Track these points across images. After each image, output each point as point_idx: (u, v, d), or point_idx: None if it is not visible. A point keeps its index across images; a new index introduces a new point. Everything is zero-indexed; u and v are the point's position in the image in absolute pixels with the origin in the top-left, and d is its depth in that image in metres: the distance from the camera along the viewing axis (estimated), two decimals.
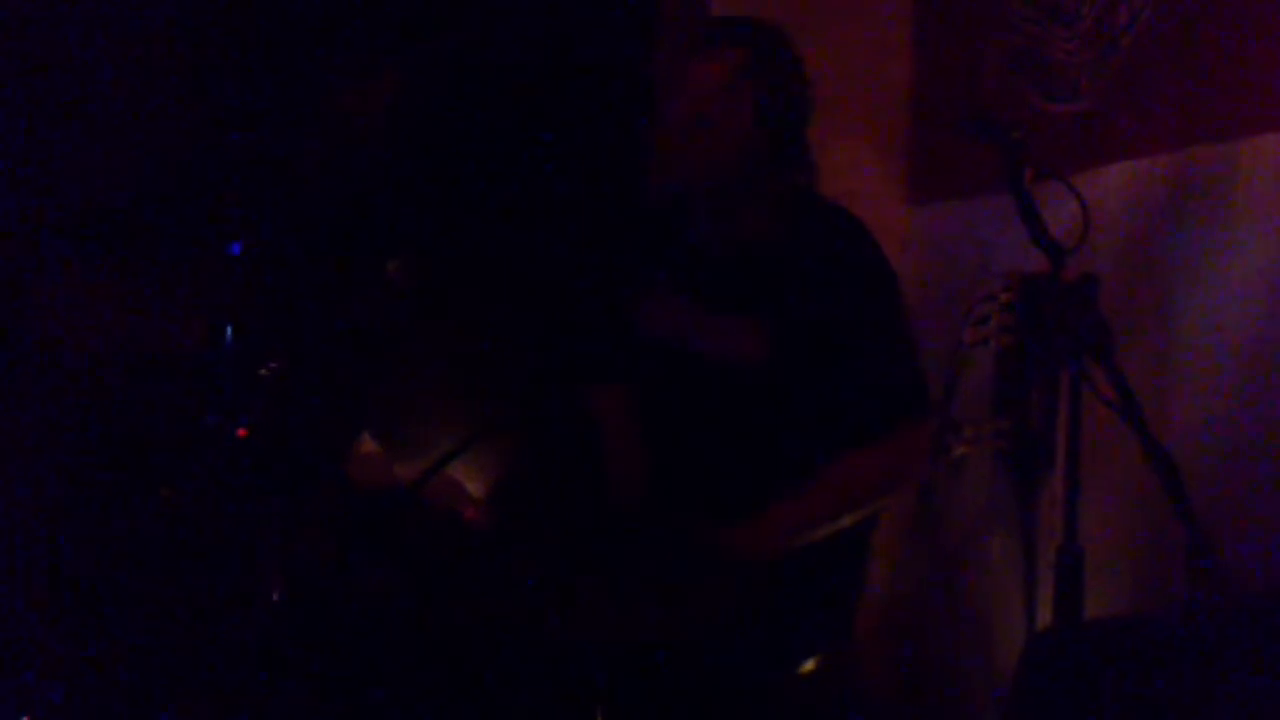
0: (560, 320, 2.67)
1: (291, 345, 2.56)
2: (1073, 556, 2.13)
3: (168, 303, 2.64)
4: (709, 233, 2.42)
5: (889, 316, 2.37)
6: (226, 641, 2.38)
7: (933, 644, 3.13)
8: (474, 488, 2.80)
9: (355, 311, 2.87)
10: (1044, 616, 2.51)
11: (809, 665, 2.31)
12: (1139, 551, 2.63)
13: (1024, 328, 2.70)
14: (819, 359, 2.33)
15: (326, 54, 3.26)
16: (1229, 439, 2.53)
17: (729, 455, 2.37)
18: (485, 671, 2.23)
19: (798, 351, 2.34)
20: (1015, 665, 2.13)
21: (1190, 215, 2.67)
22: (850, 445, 2.31)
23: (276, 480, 2.46)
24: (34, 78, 2.99)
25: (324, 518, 2.45)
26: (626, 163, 3.38)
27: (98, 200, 2.98)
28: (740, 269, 2.40)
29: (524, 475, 2.80)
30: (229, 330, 2.46)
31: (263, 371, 2.44)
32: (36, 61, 3.00)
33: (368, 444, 2.86)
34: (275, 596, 2.29)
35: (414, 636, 2.28)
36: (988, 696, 2.88)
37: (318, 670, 2.31)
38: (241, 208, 2.97)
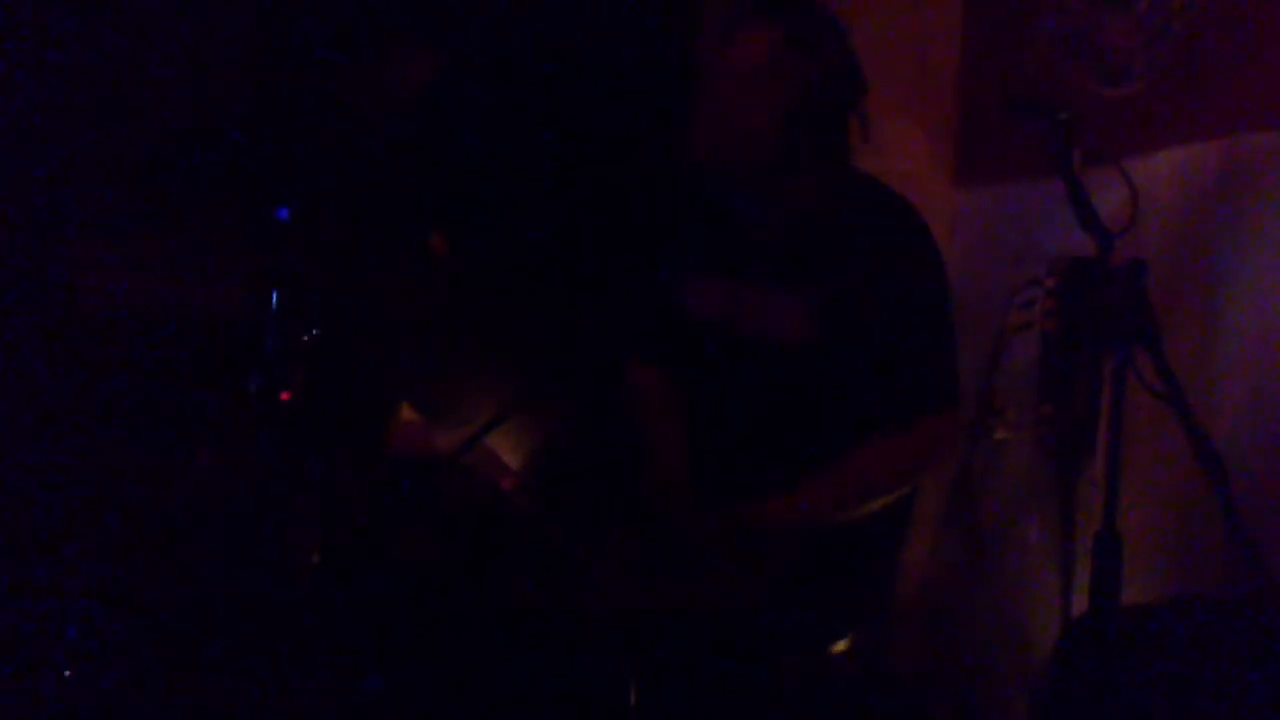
0: (602, 295, 2.67)
1: (335, 312, 2.58)
2: (1111, 543, 2.12)
3: (213, 267, 2.65)
4: (754, 210, 2.41)
5: (928, 303, 2.36)
6: (265, 605, 2.40)
7: (967, 627, 3.13)
8: (512, 459, 2.81)
9: (397, 281, 2.88)
10: (1080, 603, 2.50)
11: (841, 645, 2.31)
12: (1178, 539, 2.61)
13: (1070, 313, 2.68)
14: (861, 340, 2.32)
15: (371, 26, 3.27)
16: (1273, 428, 2.51)
17: (770, 434, 2.36)
18: (520, 642, 2.24)
19: (842, 331, 2.33)
20: (1051, 651, 2.13)
21: (1240, 202, 2.64)
22: (875, 429, 2.30)
23: (317, 445, 2.47)
24: (82, 41, 3.01)
25: (363, 484, 2.46)
26: (670, 141, 3.37)
27: (144, 165, 2.99)
28: (785, 247, 2.39)
29: (562, 448, 2.80)
30: (274, 295, 2.48)
31: (306, 337, 2.45)
32: (83, 26, 3.01)
33: (408, 412, 2.88)
34: (314, 560, 2.31)
35: (449, 604, 2.29)
36: (1022, 681, 2.88)
37: (353, 633, 2.33)
38: (288, 175, 2.99)
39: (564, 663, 2.22)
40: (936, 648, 3.14)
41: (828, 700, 2.30)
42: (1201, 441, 2.10)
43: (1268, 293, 2.56)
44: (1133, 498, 2.20)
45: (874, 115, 2.44)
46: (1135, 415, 2.18)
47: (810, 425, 2.34)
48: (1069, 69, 3.05)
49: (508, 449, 2.79)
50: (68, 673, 2.44)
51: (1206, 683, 1.88)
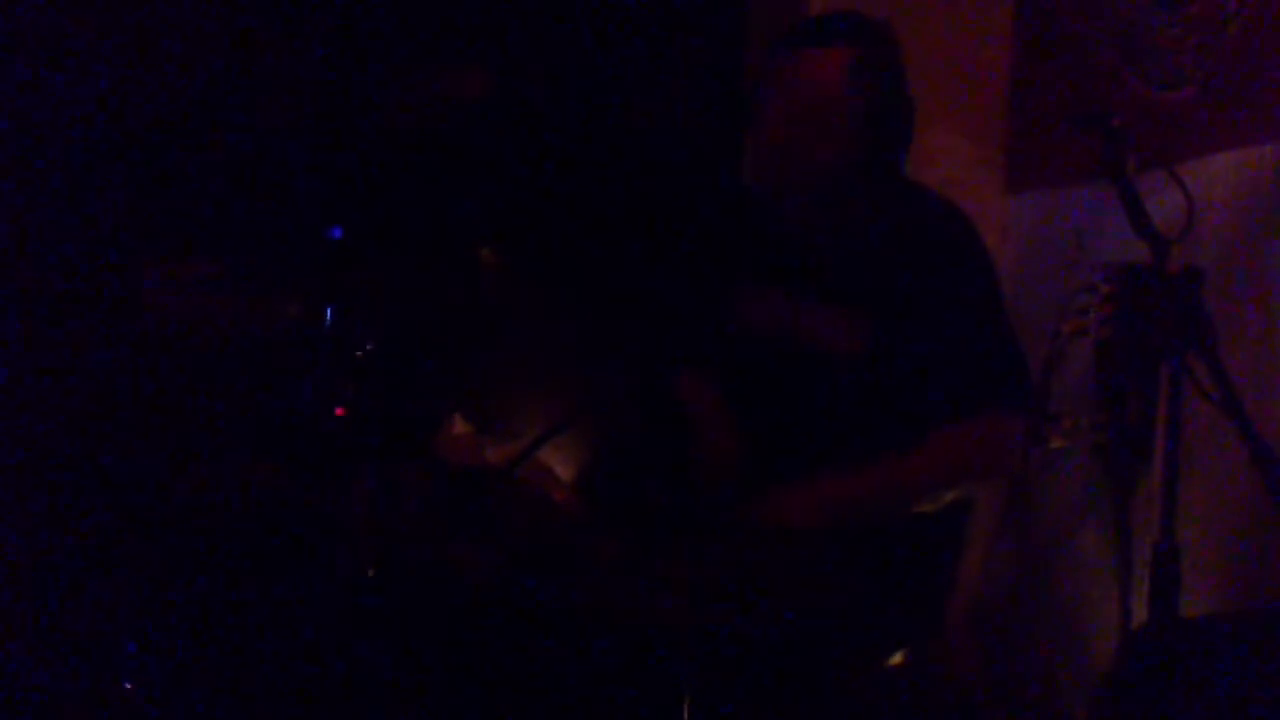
0: (654, 309, 2.68)
1: (388, 328, 2.60)
2: (1169, 553, 2.10)
3: (268, 284, 2.68)
4: (806, 222, 2.41)
5: (986, 304, 2.35)
6: (320, 618, 2.42)
7: (1023, 639, 3.10)
8: (564, 472, 2.81)
9: (449, 295, 2.90)
10: (1139, 614, 2.48)
11: (897, 658, 2.30)
12: (1237, 549, 2.58)
13: (1125, 320, 2.65)
14: (917, 350, 2.31)
15: (422, 41, 3.29)
16: None
17: (824, 447, 2.36)
18: (573, 654, 2.24)
19: (896, 343, 2.32)
20: (1108, 663, 2.11)
21: None
22: (932, 425, 2.28)
23: (371, 459, 2.49)
24: (139, 70, 3.05)
25: (417, 497, 2.47)
26: (721, 154, 3.37)
27: (201, 185, 3.03)
28: (838, 258, 2.39)
29: (614, 460, 2.81)
30: (328, 312, 2.50)
31: (360, 353, 2.47)
32: (140, 53, 3.05)
33: (459, 425, 2.89)
34: (369, 574, 2.32)
35: (503, 617, 2.29)
36: (1079, 695, 2.85)
37: (409, 646, 2.34)
38: (340, 192, 3.01)
39: (617, 674, 2.22)
40: (992, 660, 3.12)
41: (882, 713, 2.29)
42: (1260, 450, 2.08)
43: None
44: (1191, 508, 2.18)
45: (924, 122, 2.44)
46: (1193, 424, 2.16)
47: (864, 437, 2.33)
48: (1121, 73, 3.02)
49: (560, 461, 2.79)
50: (128, 684, 2.47)
51: (1268, 697, 1.86)
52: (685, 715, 2.15)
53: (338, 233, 2.59)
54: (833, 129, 2.30)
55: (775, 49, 2.38)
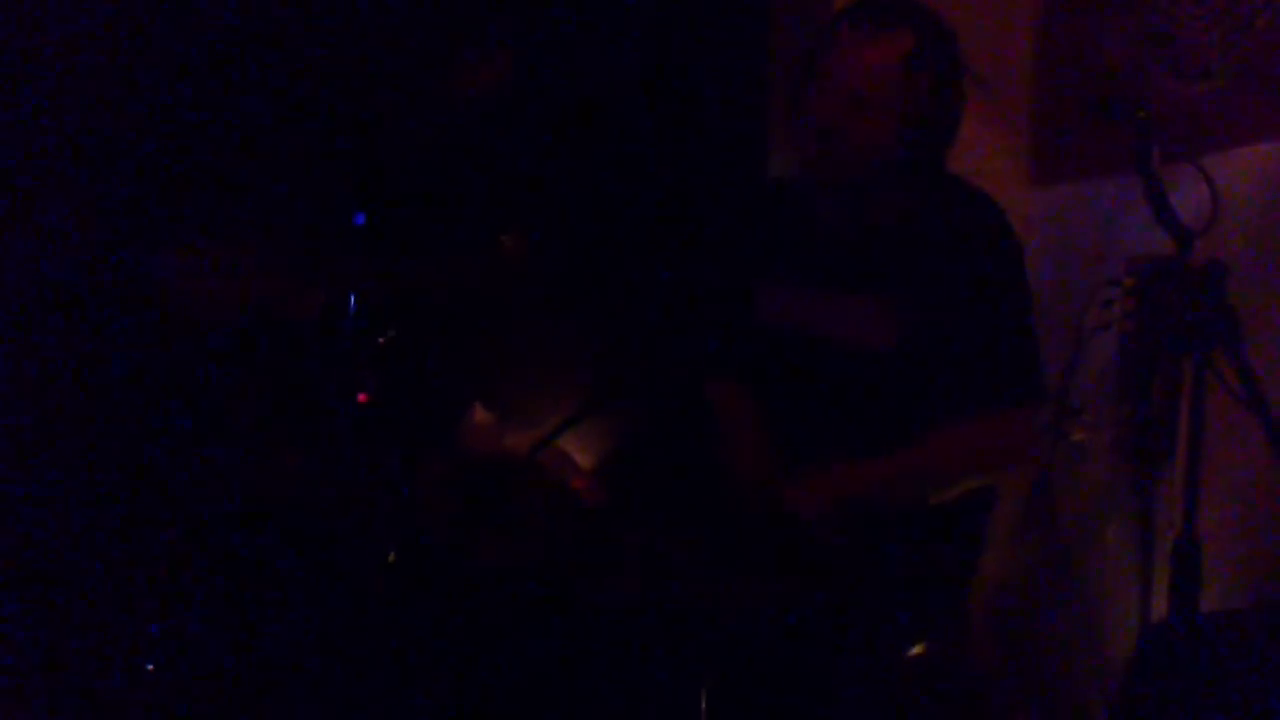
0: (679, 300, 2.68)
1: (411, 314, 2.61)
2: (1191, 548, 2.10)
3: (292, 271, 2.69)
4: (838, 214, 2.40)
5: (1013, 301, 2.34)
6: (343, 603, 2.44)
7: (1044, 632, 3.10)
8: (584, 460, 2.82)
9: (471, 282, 2.91)
10: (1159, 609, 2.47)
11: (917, 649, 2.30)
12: (1259, 544, 2.58)
13: (1148, 313, 2.64)
14: (943, 342, 2.31)
15: (446, 25, 3.29)
16: None
17: (853, 440, 2.35)
18: (592, 642, 2.25)
19: (924, 334, 2.31)
20: (1128, 657, 2.10)
21: None
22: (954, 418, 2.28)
23: (394, 446, 2.50)
24: (164, 57, 3.06)
25: (438, 483, 2.48)
26: (748, 142, 3.37)
27: (227, 171, 3.04)
28: (869, 250, 2.38)
29: (636, 449, 2.81)
30: (352, 299, 2.51)
31: (382, 339, 2.48)
32: (163, 41, 3.07)
33: (480, 412, 2.90)
34: (390, 559, 2.34)
35: (521, 604, 2.30)
36: (1099, 688, 2.85)
37: (428, 632, 2.35)
38: (364, 178, 3.02)
39: (635, 663, 2.23)
40: (1012, 652, 3.12)
41: (902, 704, 2.29)
42: None
43: None
44: (1213, 502, 2.18)
45: None
46: (1215, 418, 2.15)
47: (894, 431, 2.33)
48: (1147, 65, 3.01)
49: (580, 449, 2.80)
50: (150, 665, 2.49)
51: None
52: (703, 704, 2.15)
53: (360, 219, 2.60)
54: (884, 116, 2.27)
55: (828, 30, 2.33)
